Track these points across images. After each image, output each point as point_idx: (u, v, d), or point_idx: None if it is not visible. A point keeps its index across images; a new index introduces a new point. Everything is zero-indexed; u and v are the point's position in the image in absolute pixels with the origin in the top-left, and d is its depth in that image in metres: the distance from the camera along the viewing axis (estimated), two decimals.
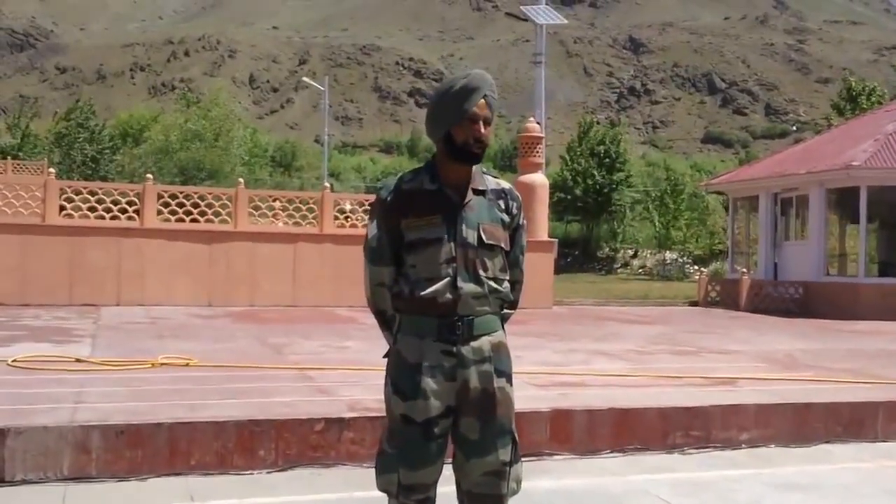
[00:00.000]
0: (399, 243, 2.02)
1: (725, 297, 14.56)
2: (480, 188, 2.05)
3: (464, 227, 1.99)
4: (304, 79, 50.21)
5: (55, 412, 3.96)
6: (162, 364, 5.65)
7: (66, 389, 4.62)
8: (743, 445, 4.60)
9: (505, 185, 2.11)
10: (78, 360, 5.73)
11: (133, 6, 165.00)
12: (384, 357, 2.11)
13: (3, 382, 4.81)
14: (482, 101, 1.99)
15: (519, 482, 2.08)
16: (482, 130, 1.99)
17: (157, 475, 3.72)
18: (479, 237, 2.00)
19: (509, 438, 2.05)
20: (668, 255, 31.92)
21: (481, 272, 2.00)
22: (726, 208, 20.47)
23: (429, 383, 1.96)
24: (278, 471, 3.88)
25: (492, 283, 2.02)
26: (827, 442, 4.76)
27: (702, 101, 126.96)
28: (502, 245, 2.05)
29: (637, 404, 4.62)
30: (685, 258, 31.32)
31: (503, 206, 2.07)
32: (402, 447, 1.99)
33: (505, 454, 2.03)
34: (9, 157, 34.47)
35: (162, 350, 6.29)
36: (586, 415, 4.42)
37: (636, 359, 6.80)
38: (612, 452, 4.37)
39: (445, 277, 1.97)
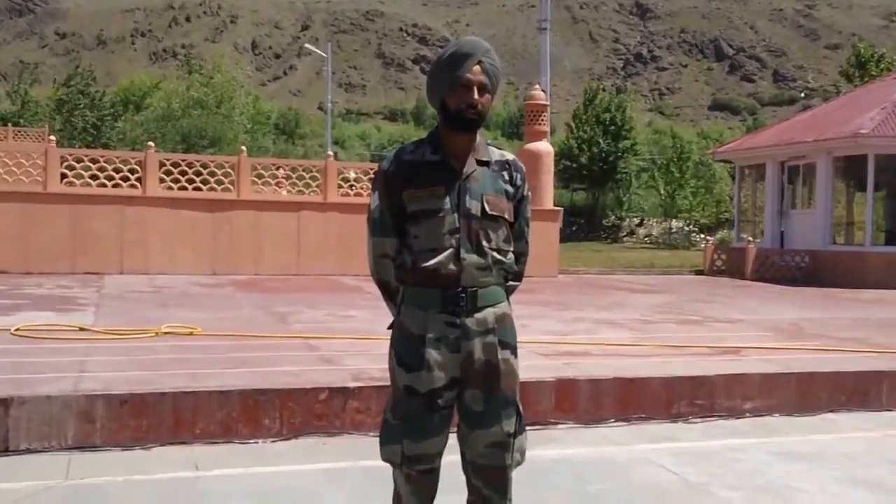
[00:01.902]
0: (401, 215, 2.00)
1: (731, 265, 14.43)
2: (484, 159, 2.02)
3: (467, 197, 1.97)
4: (307, 45, 49.45)
5: (59, 382, 3.94)
6: (166, 333, 5.62)
7: (69, 359, 4.60)
8: (747, 415, 4.58)
9: (509, 156, 2.09)
10: (81, 329, 5.71)
11: None
12: (388, 329, 2.09)
13: (6, 352, 4.80)
14: (476, 67, 1.96)
15: (523, 453, 2.08)
16: (475, 96, 1.95)
17: (161, 444, 3.71)
18: (483, 208, 1.98)
19: (513, 410, 2.04)
20: (674, 224, 31.80)
21: (485, 243, 1.98)
22: (733, 176, 20.26)
23: (433, 355, 1.95)
24: (283, 440, 3.88)
25: (495, 255, 2.01)
26: (831, 411, 4.73)
27: (709, 67, 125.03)
28: (506, 216, 2.03)
29: (642, 374, 4.59)
30: (691, 227, 31.20)
31: (507, 178, 2.05)
32: (406, 418, 1.98)
33: (509, 425, 2.02)
34: (9, 124, 34.33)
35: (166, 319, 6.26)
36: (591, 384, 4.40)
37: (641, 328, 6.75)
38: (616, 421, 4.36)
39: (448, 248, 1.96)
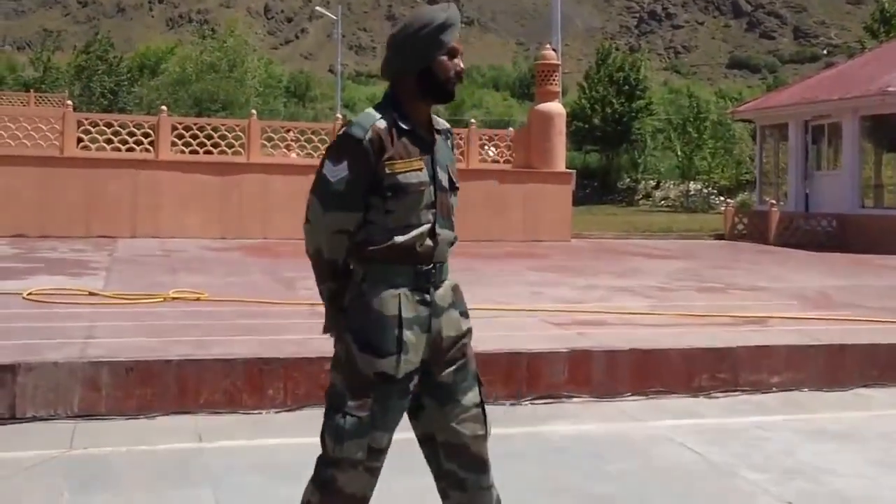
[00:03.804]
0: (371, 187, 1.83)
1: (753, 230, 13.67)
2: (438, 128, 1.95)
3: (438, 169, 1.90)
4: (318, 8, 48.60)
5: (66, 347, 3.85)
6: (174, 298, 5.51)
7: (78, 324, 4.51)
8: (773, 389, 4.30)
9: (445, 123, 2.03)
10: (91, 294, 5.63)
11: None
12: (332, 320, 1.90)
13: (17, 316, 4.73)
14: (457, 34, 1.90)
15: (489, 426, 1.97)
16: (462, 65, 1.90)
17: (165, 413, 3.60)
18: (450, 179, 1.93)
19: (476, 380, 1.96)
20: (692, 186, 30.97)
21: (452, 217, 1.94)
22: (753, 137, 19.60)
23: (409, 336, 1.83)
24: (287, 410, 3.72)
25: (455, 227, 1.97)
26: (864, 386, 4.43)
27: (726, 24, 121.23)
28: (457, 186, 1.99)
29: (660, 345, 4.33)
30: (710, 189, 30.40)
31: (450, 146, 2.00)
32: (377, 408, 1.81)
33: (476, 396, 1.94)
34: (32, 90, 34.45)
35: (174, 284, 6.15)
36: (606, 355, 4.15)
37: (659, 296, 6.41)
38: (633, 396, 4.10)
39: (426, 223, 1.86)
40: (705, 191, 30.15)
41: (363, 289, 1.84)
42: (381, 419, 1.81)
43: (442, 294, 1.89)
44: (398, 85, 1.88)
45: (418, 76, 1.84)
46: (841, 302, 6.37)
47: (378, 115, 1.85)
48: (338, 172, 1.81)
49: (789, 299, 6.46)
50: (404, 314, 1.82)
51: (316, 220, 1.84)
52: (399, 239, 1.83)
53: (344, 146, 1.83)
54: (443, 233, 1.89)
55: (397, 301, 1.82)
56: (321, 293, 1.93)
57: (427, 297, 1.86)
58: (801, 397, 4.25)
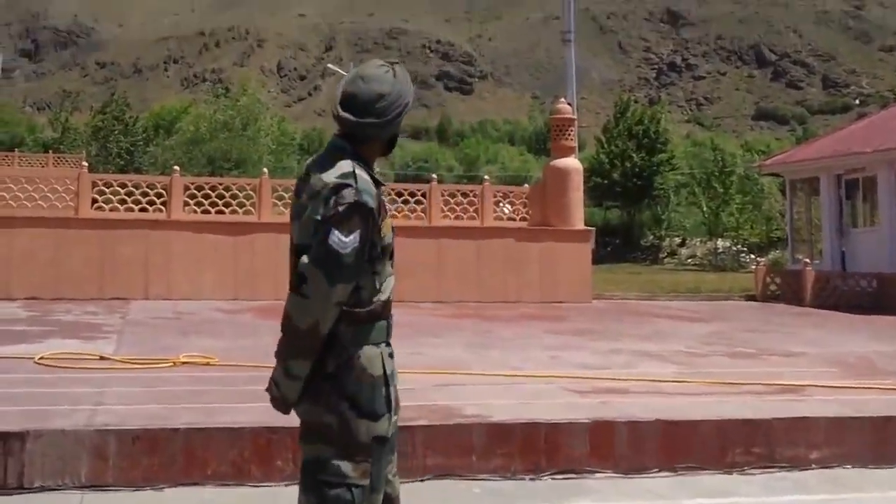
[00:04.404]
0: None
1: (787, 290, 13.29)
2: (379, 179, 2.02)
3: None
4: (329, 65, 50.11)
5: (75, 414, 3.88)
6: (183, 363, 5.56)
7: (87, 389, 4.56)
8: (813, 466, 4.08)
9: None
10: (102, 358, 5.68)
11: (168, 1, 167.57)
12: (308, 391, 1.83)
13: (28, 381, 4.79)
14: None
15: None
16: None
17: (173, 485, 3.57)
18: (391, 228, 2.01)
19: None
20: (720, 244, 30.27)
21: None
22: (783, 191, 19.35)
23: (392, 392, 1.86)
24: (296, 484, 3.65)
25: None
26: None
27: (750, 74, 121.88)
28: None
29: (689, 415, 4.16)
30: (739, 246, 29.74)
31: None
32: (374, 471, 1.81)
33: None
34: (50, 151, 35.69)
35: (185, 347, 6.20)
36: (630, 427, 3.99)
37: (687, 362, 6.23)
38: (660, 471, 3.94)
39: (392, 274, 1.93)
40: (734, 248, 29.49)
41: (351, 352, 1.81)
42: (377, 481, 1.81)
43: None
44: (365, 144, 1.90)
45: (389, 140, 1.94)
46: (885, 369, 6.13)
47: (368, 178, 1.84)
48: (349, 244, 1.76)
49: (828, 366, 6.23)
50: (387, 370, 1.84)
51: (318, 295, 1.75)
52: (382, 297, 1.86)
53: (357, 216, 1.78)
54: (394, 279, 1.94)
55: (380, 359, 1.83)
56: (293, 369, 1.80)
57: (391, 348, 1.90)
58: (844, 475, 4.03)
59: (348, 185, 1.79)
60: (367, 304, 1.83)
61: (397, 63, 1.95)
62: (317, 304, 1.76)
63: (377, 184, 1.85)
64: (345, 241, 1.77)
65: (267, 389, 1.90)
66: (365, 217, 1.79)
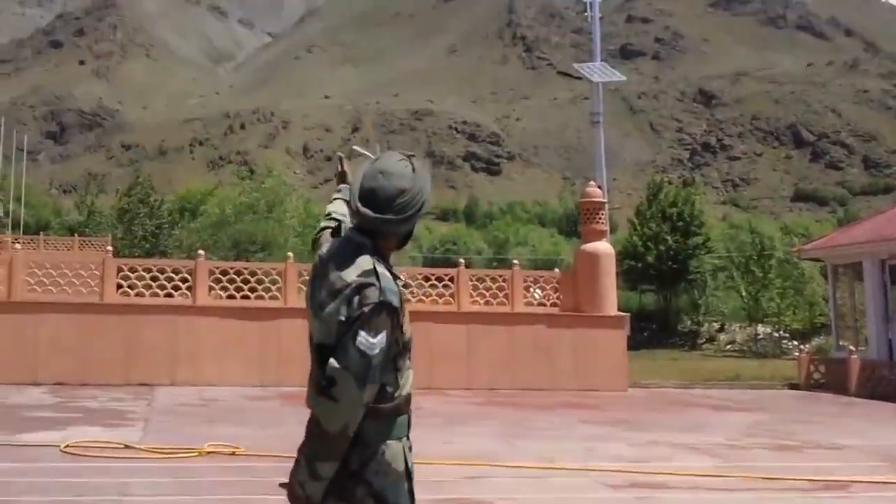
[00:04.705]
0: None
1: (832, 379, 13.11)
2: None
3: None
4: (355, 147, 51.70)
5: None
6: (209, 452, 5.68)
7: (112, 479, 4.67)
8: None
9: None
10: (127, 447, 5.84)
11: (192, 83, 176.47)
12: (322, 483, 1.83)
13: (53, 470, 4.93)
14: None
15: None
16: None
17: None
18: None
19: None
20: (761, 329, 29.76)
21: None
22: (825, 275, 19.12)
23: (413, 487, 1.90)
24: None
25: None
26: None
27: (787, 155, 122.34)
28: None
29: None
30: (781, 332, 29.19)
31: None
32: None
33: None
34: (76, 234, 37.01)
35: (211, 436, 6.33)
36: None
37: (727, 454, 6.24)
38: None
39: (410, 368, 1.97)
40: (775, 334, 28.94)
41: (375, 448, 1.86)
42: None
43: None
44: (383, 238, 1.94)
45: (407, 232, 1.99)
46: None
47: (389, 274, 1.88)
48: (376, 345, 1.80)
49: (876, 460, 6.19)
50: (409, 465, 1.89)
51: (348, 399, 1.78)
52: (404, 391, 1.90)
53: (383, 315, 1.82)
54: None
55: (403, 454, 1.88)
56: (321, 471, 1.81)
57: (410, 441, 1.94)
58: None
59: (371, 284, 1.82)
60: (390, 399, 1.88)
61: (415, 156, 2.00)
62: (347, 408, 1.79)
63: (396, 279, 1.90)
64: (372, 342, 1.80)
65: (282, 486, 1.89)
66: (390, 316, 1.84)
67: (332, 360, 1.80)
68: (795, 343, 26.43)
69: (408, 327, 1.92)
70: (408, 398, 1.92)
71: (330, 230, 2.14)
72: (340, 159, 2.51)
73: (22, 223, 38.47)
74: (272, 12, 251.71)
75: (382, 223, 1.92)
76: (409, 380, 1.93)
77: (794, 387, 13.65)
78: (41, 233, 38.00)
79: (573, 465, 5.42)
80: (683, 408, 10.21)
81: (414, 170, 1.95)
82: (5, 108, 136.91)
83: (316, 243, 2.13)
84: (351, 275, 1.85)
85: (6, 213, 36.01)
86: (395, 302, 1.85)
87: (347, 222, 2.12)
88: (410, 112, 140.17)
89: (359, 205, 1.92)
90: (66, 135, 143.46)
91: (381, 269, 1.86)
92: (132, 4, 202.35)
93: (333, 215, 2.22)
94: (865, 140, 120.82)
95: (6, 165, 42.14)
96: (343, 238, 1.99)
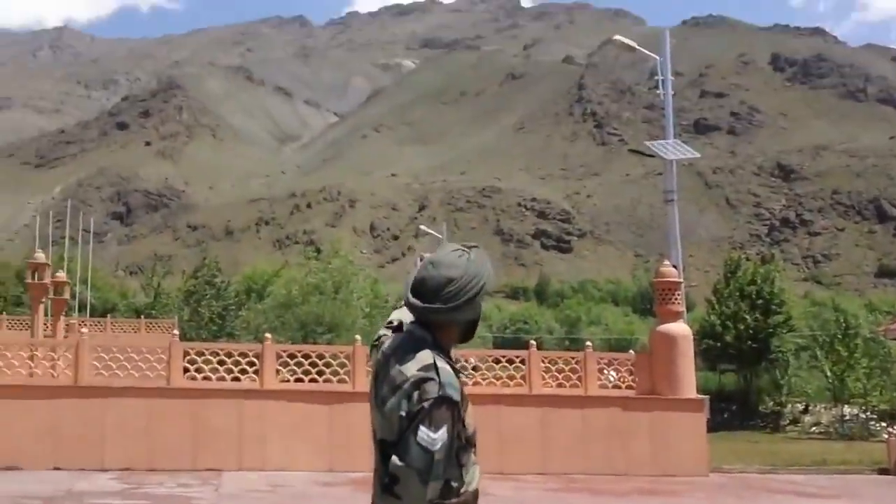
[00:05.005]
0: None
1: None
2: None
3: None
4: (423, 227, 52.87)
5: None
6: None
7: None
8: None
9: None
10: None
11: (258, 163, 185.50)
12: None
13: None
14: None
15: None
16: None
17: None
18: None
19: None
20: (847, 410, 28.89)
21: None
22: None
23: None
24: None
25: None
26: None
27: (870, 230, 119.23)
28: None
29: None
30: (868, 413, 28.23)
31: None
32: None
33: None
34: (142, 316, 38.79)
35: None
36: None
37: None
38: None
39: (476, 464, 2.02)
40: (863, 416, 27.91)
41: None
42: None
43: None
44: (443, 330, 2.00)
45: (468, 323, 2.04)
46: None
47: (449, 368, 1.94)
48: (438, 440, 1.86)
49: None
50: None
51: (412, 496, 1.85)
52: (472, 487, 1.97)
53: (443, 410, 1.89)
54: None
55: None
56: None
57: None
58: None
59: (431, 379, 1.89)
60: (456, 494, 1.94)
61: (476, 246, 2.07)
62: None
63: (456, 373, 1.96)
64: (433, 437, 1.87)
65: None
66: (451, 410, 1.90)
67: (394, 458, 1.88)
68: (884, 425, 25.30)
69: (471, 421, 1.98)
70: (475, 493, 1.96)
71: (390, 330, 2.19)
72: None
73: (88, 305, 40.55)
74: (337, 93, 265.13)
75: (431, 312, 1.99)
76: (475, 475, 1.97)
77: (883, 472, 13.29)
78: (108, 315, 39.78)
79: None
80: (767, 494, 10.03)
81: (469, 259, 2.02)
82: (72, 189, 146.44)
83: (375, 349, 2.19)
84: (411, 369, 1.93)
85: (73, 296, 38.36)
86: (456, 396, 1.91)
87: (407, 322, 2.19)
88: (478, 190, 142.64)
89: (409, 295, 2.01)
90: (133, 216, 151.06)
91: (440, 363, 1.92)
92: (197, 86, 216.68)
93: (393, 320, 2.27)
94: None
95: (73, 247, 44.90)
96: (405, 332, 2.06)
